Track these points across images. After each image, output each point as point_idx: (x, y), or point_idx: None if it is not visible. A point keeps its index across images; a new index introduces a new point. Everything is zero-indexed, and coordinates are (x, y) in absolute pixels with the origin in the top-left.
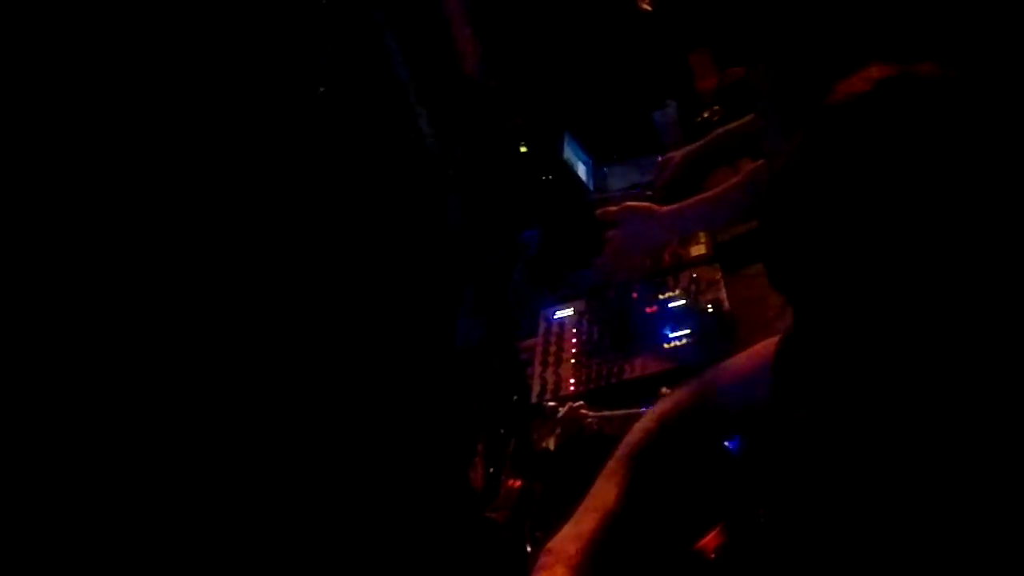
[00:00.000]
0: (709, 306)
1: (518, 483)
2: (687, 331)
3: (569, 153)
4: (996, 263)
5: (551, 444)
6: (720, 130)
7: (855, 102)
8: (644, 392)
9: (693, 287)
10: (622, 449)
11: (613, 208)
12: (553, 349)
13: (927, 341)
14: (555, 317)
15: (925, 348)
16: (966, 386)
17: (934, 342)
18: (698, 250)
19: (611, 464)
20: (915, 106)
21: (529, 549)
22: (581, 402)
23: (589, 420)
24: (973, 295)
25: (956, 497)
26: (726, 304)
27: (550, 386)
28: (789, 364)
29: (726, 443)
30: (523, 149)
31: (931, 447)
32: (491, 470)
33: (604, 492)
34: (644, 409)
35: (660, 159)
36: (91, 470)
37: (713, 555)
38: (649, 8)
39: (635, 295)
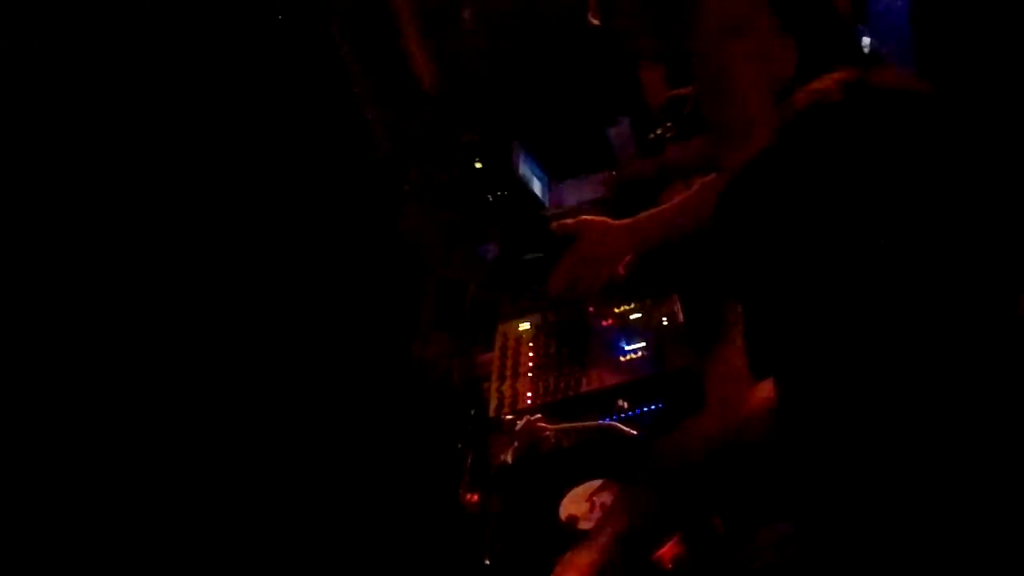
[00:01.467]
0: (664, 319)
1: (476, 497)
2: (643, 344)
3: (524, 169)
4: (963, 260)
5: (509, 457)
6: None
7: (819, 106)
8: (601, 405)
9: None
10: (648, 472)
11: (570, 221)
12: (510, 363)
13: (884, 338)
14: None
15: (882, 346)
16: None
17: (892, 339)
18: None
19: (637, 482)
20: (879, 110)
21: (488, 562)
22: (539, 415)
23: (547, 433)
24: (941, 293)
25: (947, 510)
26: (680, 316)
27: (507, 400)
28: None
29: None
30: (478, 165)
31: (922, 456)
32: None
33: (624, 509)
34: (602, 421)
35: (615, 174)
36: (87, 470)
37: (670, 565)
38: (597, 23)
39: (591, 308)
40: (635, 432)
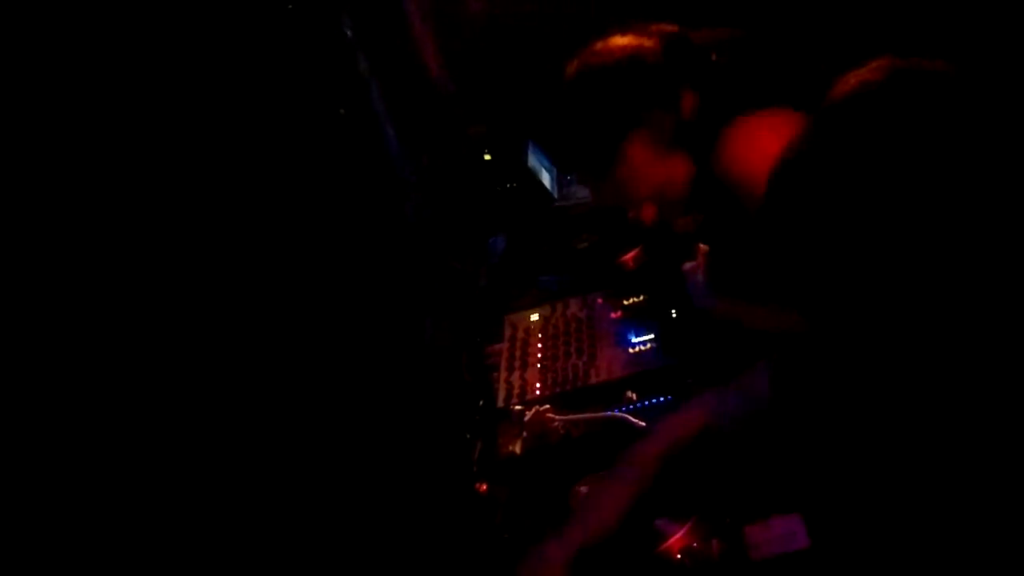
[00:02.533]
0: (672, 311)
1: (484, 487)
2: (651, 336)
3: (533, 161)
4: (1005, 260)
5: (517, 448)
6: None
7: (871, 91)
8: (609, 396)
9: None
10: (630, 467)
11: None
12: (519, 354)
13: (934, 337)
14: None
15: (931, 343)
16: (966, 387)
17: (942, 338)
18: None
19: (618, 475)
20: (929, 96)
21: (496, 552)
22: (547, 406)
23: (555, 424)
24: (981, 288)
25: (954, 504)
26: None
27: (516, 390)
28: (788, 374)
29: None
30: (487, 157)
31: (931, 453)
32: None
33: (601, 505)
34: (608, 413)
35: None
36: (83, 471)
37: (679, 556)
38: None
39: (600, 300)
40: (643, 424)
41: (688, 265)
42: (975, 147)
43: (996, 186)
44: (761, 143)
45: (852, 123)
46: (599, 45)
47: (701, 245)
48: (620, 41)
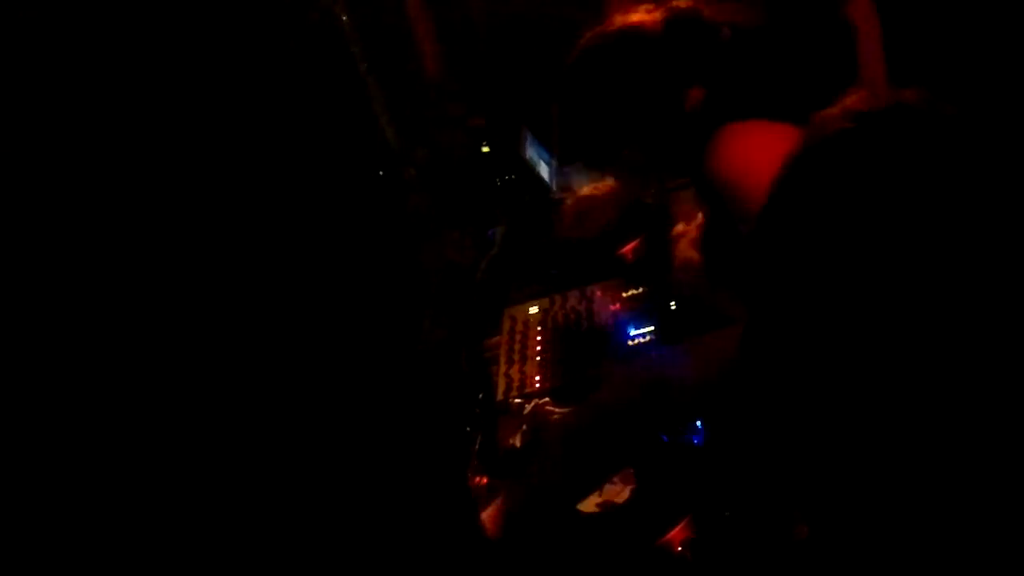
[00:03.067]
0: (672, 303)
1: (484, 480)
2: (650, 328)
3: (531, 152)
4: (985, 297)
5: (517, 441)
6: None
7: (838, 139)
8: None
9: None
10: None
11: None
12: (518, 347)
13: (904, 361)
14: None
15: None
16: (941, 388)
17: (911, 362)
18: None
19: None
20: (901, 143)
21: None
22: (547, 399)
23: (555, 417)
24: (960, 321)
25: (932, 491)
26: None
27: (515, 383)
28: (755, 358)
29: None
30: (485, 149)
31: (904, 442)
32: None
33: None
34: None
35: None
36: (82, 471)
37: (679, 548)
38: None
39: (599, 292)
40: None
41: (679, 228)
42: (953, 186)
43: (974, 218)
44: (750, 153)
45: (823, 175)
46: (603, 28)
47: (699, 214)
48: (625, 27)
